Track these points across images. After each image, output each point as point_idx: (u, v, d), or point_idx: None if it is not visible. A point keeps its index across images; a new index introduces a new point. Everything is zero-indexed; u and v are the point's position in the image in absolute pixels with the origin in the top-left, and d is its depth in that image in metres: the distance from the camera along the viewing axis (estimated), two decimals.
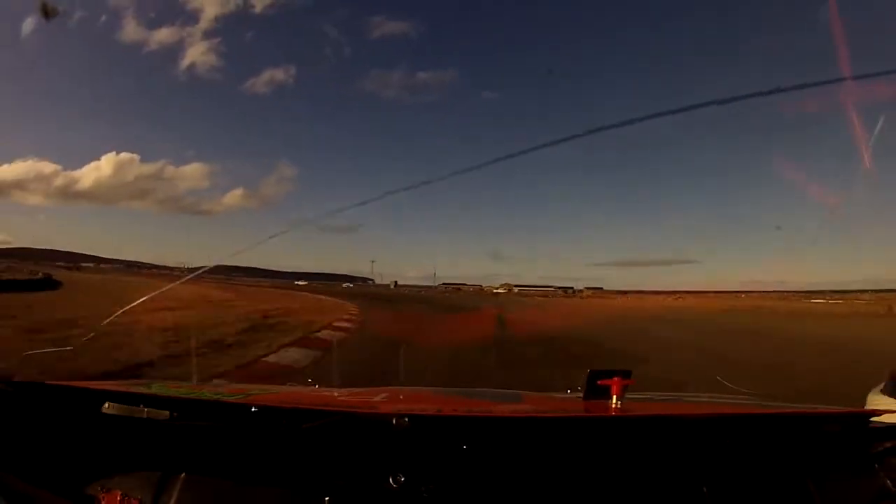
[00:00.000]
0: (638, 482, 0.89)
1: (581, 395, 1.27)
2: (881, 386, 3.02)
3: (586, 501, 0.89)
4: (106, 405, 1.05)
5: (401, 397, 1.44)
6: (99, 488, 0.95)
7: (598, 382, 1.20)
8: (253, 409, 1.02)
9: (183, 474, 0.94)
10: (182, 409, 1.04)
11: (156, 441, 0.98)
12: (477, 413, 1.13)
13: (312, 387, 1.81)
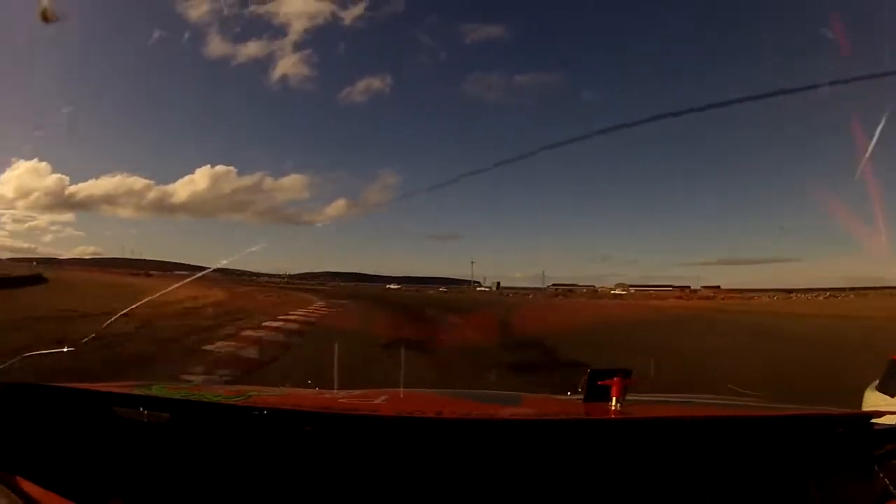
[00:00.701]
0: (640, 485, 0.89)
1: (582, 396, 1.27)
2: (876, 383, 3.11)
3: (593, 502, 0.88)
4: (107, 407, 1.05)
5: (401, 400, 1.44)
6: (99, 489, 0.95)
7: (599, 383, 1.19)
8: (254, 412, 1.02)
9: (183, 476, 0.93)
10: (182, 411, 1.03)
11: (156, 443, 0.97)
12: (477, 416, 1.12)
13: (312, 389, 1.81)
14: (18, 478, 0.93)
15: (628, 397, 1.21)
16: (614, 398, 1.18)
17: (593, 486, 0.89)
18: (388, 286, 69.90)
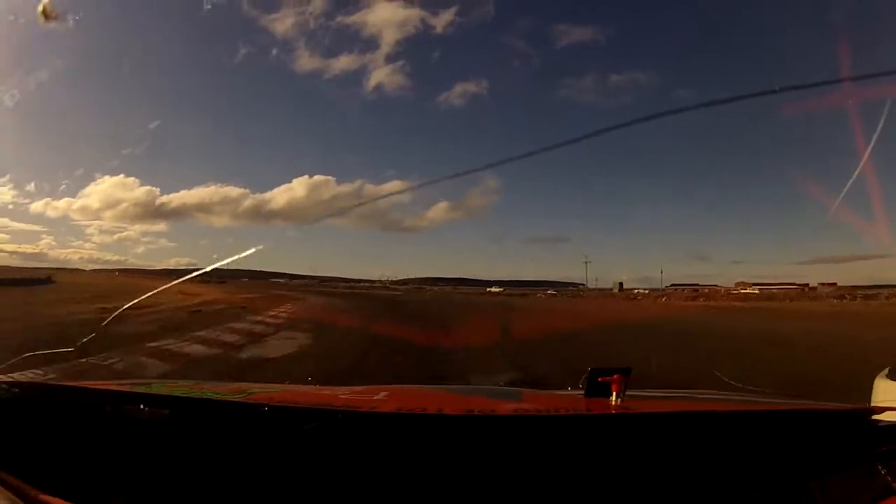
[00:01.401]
0: (640, 481, 0.89)
1: (582, 392, 1.27)
2: (887, 371, 2.94)
3: (589, 501, 0.89)
4: (106, 405, 1.05)
5: (402, 396, 1.44)
6: (100, 489, 0.95)
7: (599, 379, 1.20)
8: (254, 409, 1.02)
9: (184, 475, 0.94)
10: (183, 409, 1.04)
11: (156, 441, 0.98)
12: (479, 412, 1.13)
13: (312, 386, 1.81)
14: (18, 478, 0.93)
15: (628, 393, 1.21)
16: (614, 394, 1.18)
17: (594, 482, 0.89)
18: (489, 289, 66.81)
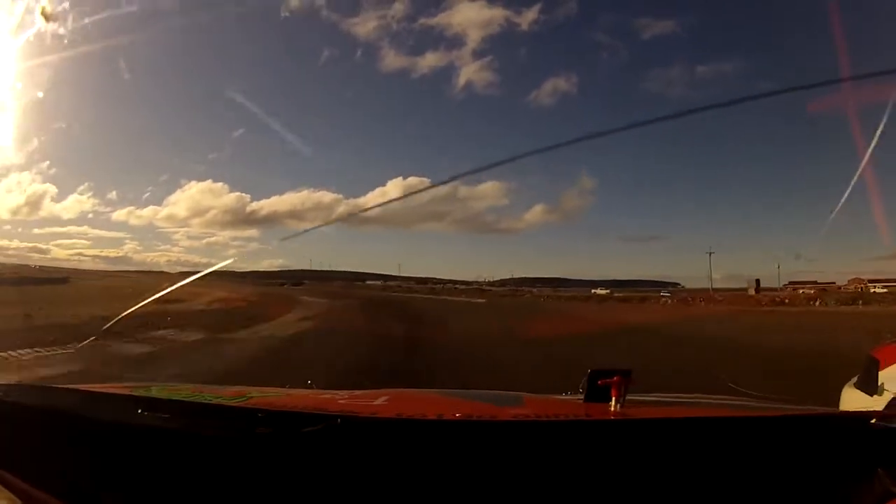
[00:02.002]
0: (641, 486, 0.89)
1: (582, 396, 1.27)
2: (854, 380, 2.93)
3: None
4: (106, 408, 1.05)
5: (402, 400, 1.44)
6: (99, 491, 0.95)
7: (599, 383, 1.19)
8: (253, 413, 1.02)
9: (183, 478, 0.94)
10: (181, 412, 1.04)
11: (155, 444, 0.98)
12: (478, 417, 1.12)
13: (312, 389, 1.81)
14: (18, 479, 0.93)
15: (629, 397, 1.21)
16: (614, 398, 1.18)
17: (594, 488, 0.89)
18: (594, 291, 62.62)
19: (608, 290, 59.47)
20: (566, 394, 1.49)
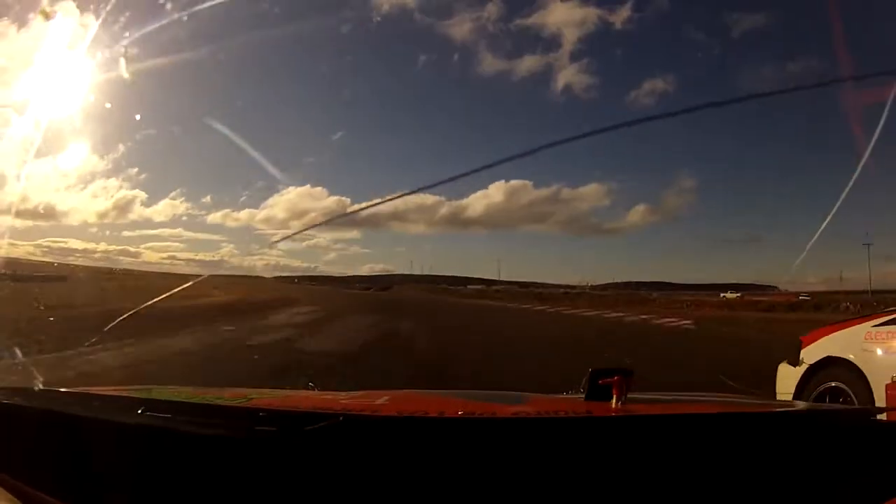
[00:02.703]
0: (642, 484, 0.89)
1: (583, 395, 1.27)
2: (787, 359, 3.60)
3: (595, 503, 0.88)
4: (107, 409, 1.05)
5: (403, 400, 1.44)
6: (99, 493, 0.95)
7: (600, 382, 1.20)
8: (255, 412, 1.02)
9: (184, 479, 0.93)
10: (182, 413, 1.04)
11: (156, 446, 0.98)
12: (480, 416, 1.12)
13: (313, 390, 1.81)
14: (18, 481, 0.93)
15: (629, 395, 1.21)
16: (615, 397, 1.18)
17: (595, 486, 0.89)
18: (723, 295, 52.59)
19: (739, 294, 50.94)
20: (567, 393, 1.49)
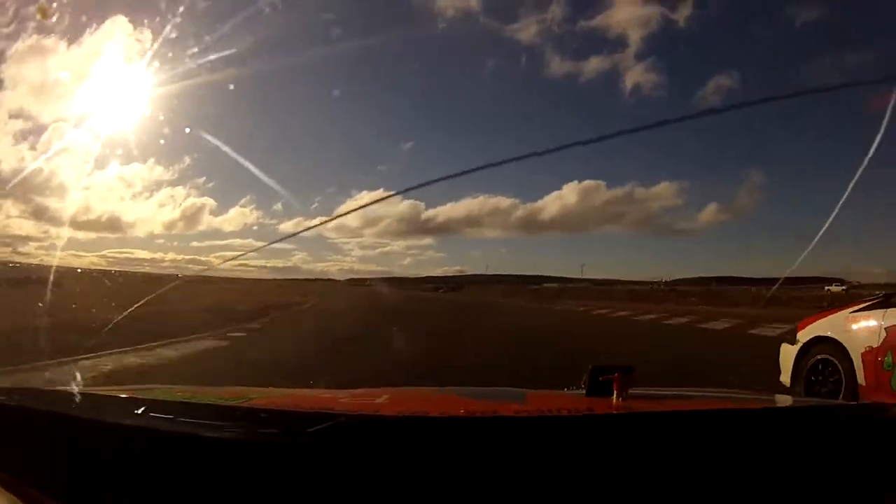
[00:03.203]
0: (644, 481, 0.89)
1: (583, 392, 1.27)
2: (789, 338, 4.34)
3: (592, 502, 0.88)
4: (108, 410, 1.05)
5: (404, 398, 1.44)
6: (100, 494, 0.95)
7: (601, 378, 1.20)
8: (256, 413, 1.02)
9: (185, 480, 0.93)
10: (182, 413, 1.03)
11: (156, 446, 0.97)
12: (480, 414, 1.12)
13: (313, 389, 1.81)
14: (19, 481, 0.93)
15: (630, 391, 1.21)
16: (615, 393, 1.18)
17: (598, 483, 0.89)
18: (828, 288, 47.29)
19: (843, 288, 47.48)
20: (567, 389, 1.49)
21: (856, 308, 3.81)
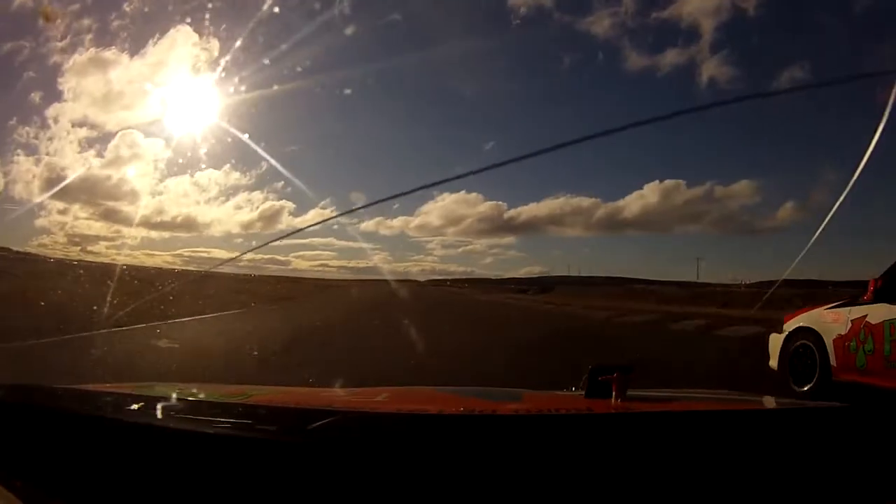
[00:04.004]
0: (642, 481, 0.89)
1: (583, 392, 1.27)
2: (777, 328, 5.08)
3: (591, 502, 0.88)
4: (108, 407, 1.05)
5: (403, 397, 1.44)
6: (100, 492, 0.95)
7: (600, 378, 1.20)
8: (255, 410, 1.02)
9: (185, 478, 0.93)
10: (183, 410, 1.04)
11: (157, 443, 0.98)
12: (479, 412, 1.13)
13: (313, 387, 1.81)
14: (18, 479, 0.93)
15: (630, 393, 1.21)
16: (615, 393, 1.18)
17: (596, 483, 0.89)
18: None
19: None
20: (566, 389, 1.50)
21: (830, 305, 4.69)
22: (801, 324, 4.82)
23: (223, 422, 0.99)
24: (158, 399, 1.16)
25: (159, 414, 1.00)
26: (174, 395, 1.26)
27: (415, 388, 1.68)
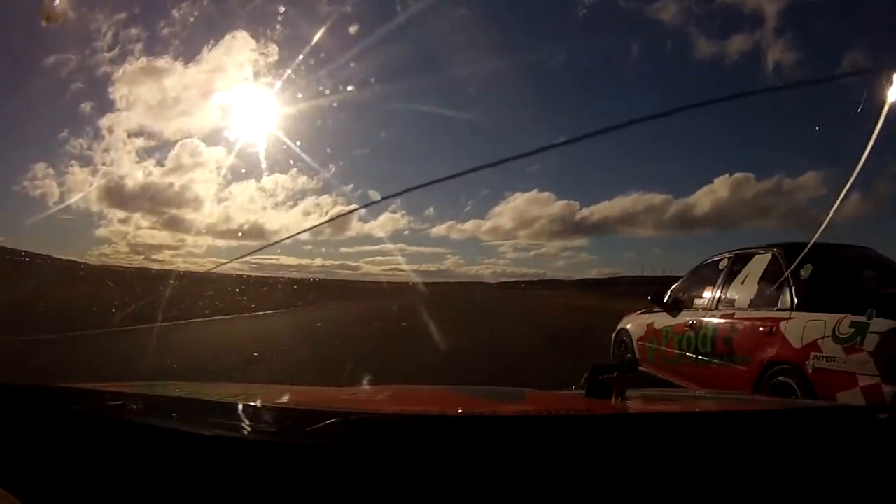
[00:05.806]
0: (643, 482, 0.89)
1: (583, 392, 1.27)
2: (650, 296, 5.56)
3: (593, 501, 0.88)
4: (109, 406, 1.05)
5: (404, 396, 1.44)
6: (101, 491, 0.94)
7: (601, 377, 1.20)
8: (255, 410, 1.02)
9: (186, 477, 0.93)
10: (184, 410, 1.03)
11: (157, 443, 0.97)
12: (480, 413, 1.12)
13: (314, 387, 1.81)
14: (17, 479, 0.93)
15: (631, 392, 1.21)
16: (615, 393, 1.18)
17: (597, 483, 0.89)
18: None
19: None
20: (571, 389, 1.49)
21: (639, 312, 5.87)
22: (622, 325, 6.14)
23: (222, 422, 0.98)
24: (158, 398, 1.15)
25: (158, 413, 0.99)
26: (174, 395, 1.25)
27: (417, 387, 1.68)
